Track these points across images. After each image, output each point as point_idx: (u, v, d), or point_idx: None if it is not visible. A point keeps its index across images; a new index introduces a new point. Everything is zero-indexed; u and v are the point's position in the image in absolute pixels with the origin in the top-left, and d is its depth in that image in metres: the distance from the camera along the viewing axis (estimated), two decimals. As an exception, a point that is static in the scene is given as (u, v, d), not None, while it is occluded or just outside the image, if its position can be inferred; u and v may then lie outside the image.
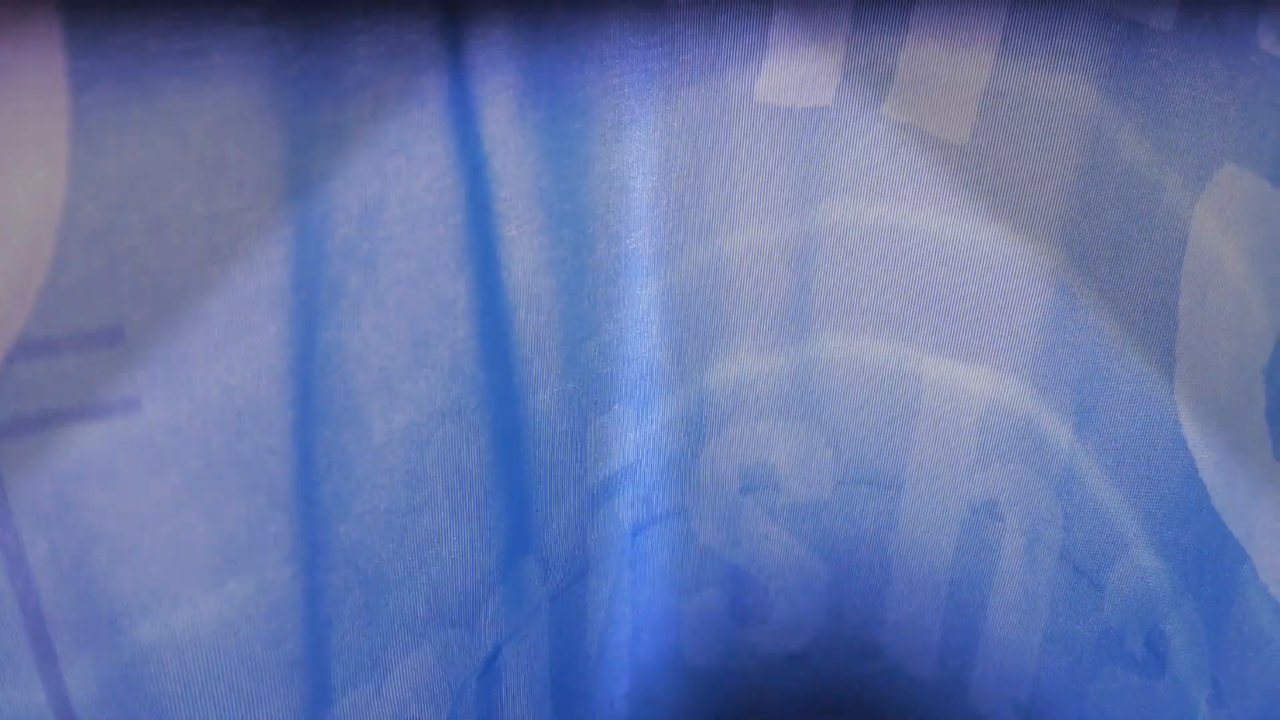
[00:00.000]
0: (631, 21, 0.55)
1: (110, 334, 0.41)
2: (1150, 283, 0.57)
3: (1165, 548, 0.59)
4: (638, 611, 0.73)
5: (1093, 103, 0.58)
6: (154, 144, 0.40)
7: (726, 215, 0.64)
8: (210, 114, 0.41)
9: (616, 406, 0.65)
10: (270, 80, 0.42)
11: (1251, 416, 0.50)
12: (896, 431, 0.71)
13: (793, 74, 0.61)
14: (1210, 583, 0.55)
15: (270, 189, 0.43)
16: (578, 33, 0.53)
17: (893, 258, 0.67)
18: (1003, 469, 0.70)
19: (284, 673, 0.49)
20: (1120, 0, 0.55)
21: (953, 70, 0.60)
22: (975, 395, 0.69)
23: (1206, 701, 0.56)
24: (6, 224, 0.38)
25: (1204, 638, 0.56)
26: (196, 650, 0.46)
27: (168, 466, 0.43)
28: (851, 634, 0.78)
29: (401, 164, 0.48)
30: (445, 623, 0.58)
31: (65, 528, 0.41)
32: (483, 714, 0.63)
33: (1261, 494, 0.50)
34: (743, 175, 0.64)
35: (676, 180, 0.61)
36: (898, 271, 0.67)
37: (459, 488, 0.56)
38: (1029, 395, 0.67)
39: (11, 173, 0.37)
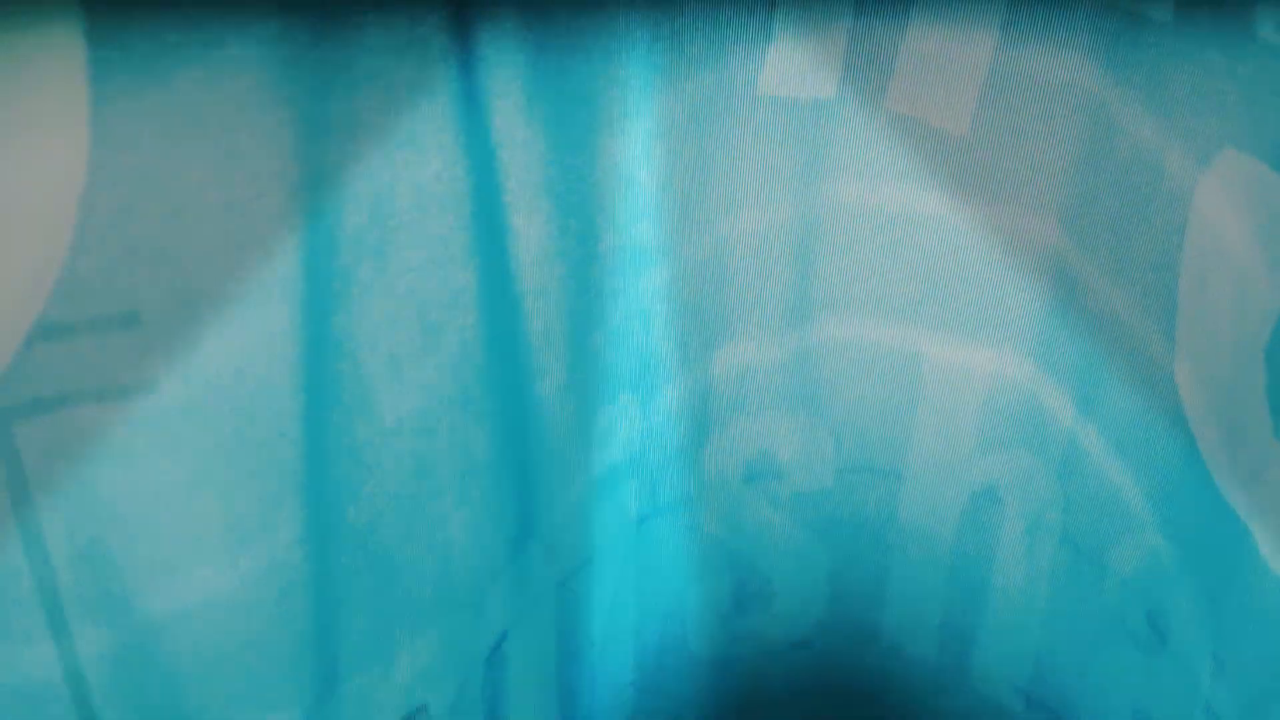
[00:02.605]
0: (637, 15, 0.56)
1: (127, 318, 0.42)
2: (1151, 266, 0.57)
3: (1167, 526, 0.59)
4: (643, 599, 0.74)
5: (1092, 92, 0.59)
6: (171, 133, 0.41)
7: (730, 206, 0.65)
8: (226, 104, 0.42)
9: (622, 396, 0.65)
10: (284, 72, 0.43)
11: (1252, 396, 0.51)
12: (898, 419, 0.72)
13: (795, 66, 0.62)
14: (1212, 559, 0.55)
15: (283, 178, 0.44)
16: (585, 26, 0.54)
17: (894, 246, 0.67)
18: (1003, 453, 0.70)
19: (293, 653, 0.50)
20: (1120, -7, 0.55)
21: (953, 60, 0.61)
22: (976, 381, 0.69)
23: (1208, 676, 0.56)
24: (27, 210, 0.39)
25: (1206, 614, 0.56)
26: (207, 628, 0.47)
27: (182, 448, 0.44)
28: (853, 619, 0.79)
29: (411, 154, 0.49)
30: (452, 607, 0.59)
31: (82, 507, 0.42)
32: (488, 699, 0.64)
33: (1263, 471, 0.50)
34: (746, 166, 0.64)
35: (681, 171, 0.62)
36: (899, 259, 0.68)
37: (467, 474, 0.57)
38: (1030, 380, 0.68)
39: (32, 160, 0.38)
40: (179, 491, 0.45)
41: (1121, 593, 0.65)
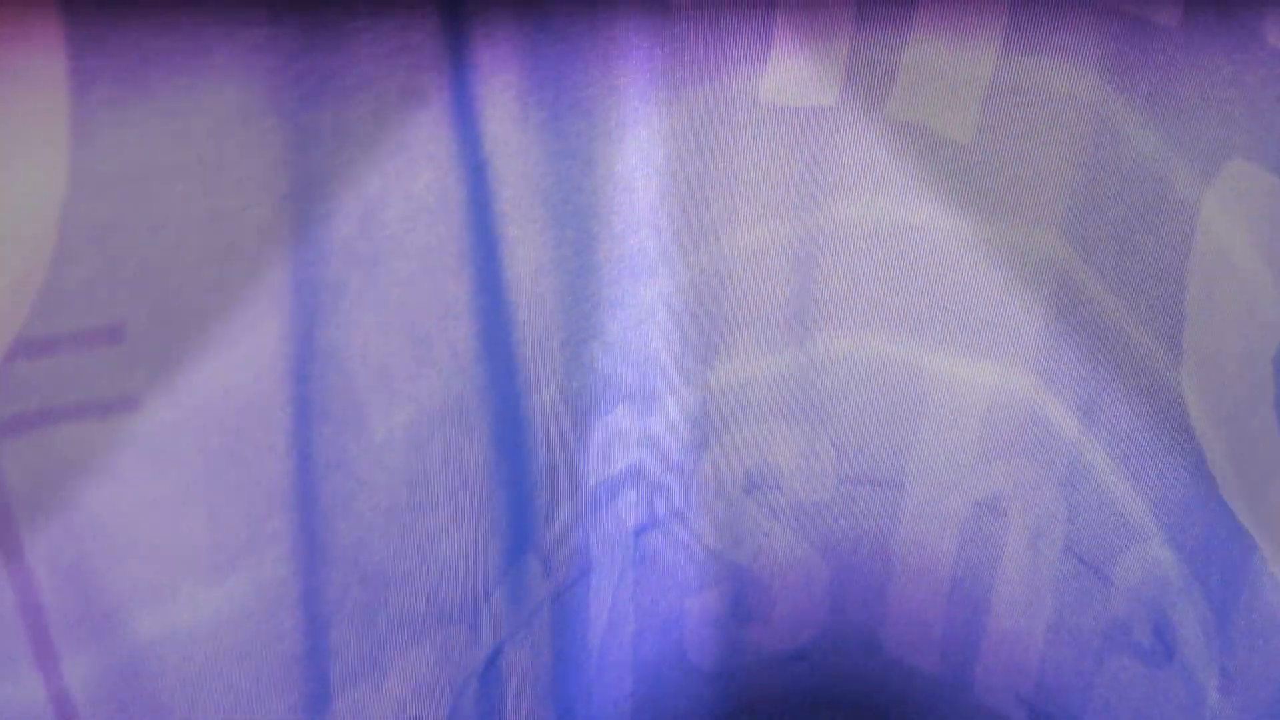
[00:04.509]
0: (635, 21, 0.55)
1: (110, 332, 0.41)
2: (1157, 277, 0.57)
3: (1173, 538, 0.59)
4: (641, 612, 0.73)
5: (1097, 99, 0.58)
6: (155, 143, 0.40)
7: (730, 215, 0.64)
8: (211, 113, 0.41)
9: (620, 407, 0.65)
10: (272, 80, 0.42)
11: (1260, 407, 0.50)
12: (899, 429, 0.71)
13: (797, 74, 0.61)
14: (1219, 572, 0.55)
15: (271, 188, 0.43)
16: (581, 33, 0.53)
17: (896, 255, 0.67)
18: (1006, 464, 0.70)
19: (283, 670, 0.49)
20: (1126, -2, 0.54)
21: (956, 68, 0.60)
22: (979, 391, 0.69)
23: (1216, 690, 0.55)
24: (6, 222, 0.38)
25: (1213, 626, 0.56)
26: (196, 647, 0.46)
27: (167, 464, 0.43)
28: (854, 630, 0.78)
29: (403, 164, 0.48)
30: (446, 621, 0.58)
31: (65, 525, 0.42)
32: (484, 714, 0.63)
33: (1271, 483, 0.50)
34: (746, 175, 0.64)
35: (680, 180, 0.61)
36: (901, 269, 0.67)
37: (460, 487, 0.56)
38: (1034, 390, 0.67)
39: (12, 171, 0.37)
40: (165, 509, 0.44)
41: (1127, 604, 0.64)
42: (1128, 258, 0.59)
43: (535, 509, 0.62)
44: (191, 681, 0.47)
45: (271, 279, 0.44)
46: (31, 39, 0.37)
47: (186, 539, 0.45)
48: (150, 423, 0.43)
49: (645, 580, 0.73)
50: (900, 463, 0.72)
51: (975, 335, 0.68)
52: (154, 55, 0.39)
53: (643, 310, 0.63)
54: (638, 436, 0.67)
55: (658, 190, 0.60)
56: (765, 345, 0.69)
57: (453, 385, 0.54)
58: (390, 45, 0.46)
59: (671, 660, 0.77)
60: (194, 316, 0.43)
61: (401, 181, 0.48)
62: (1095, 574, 0.66)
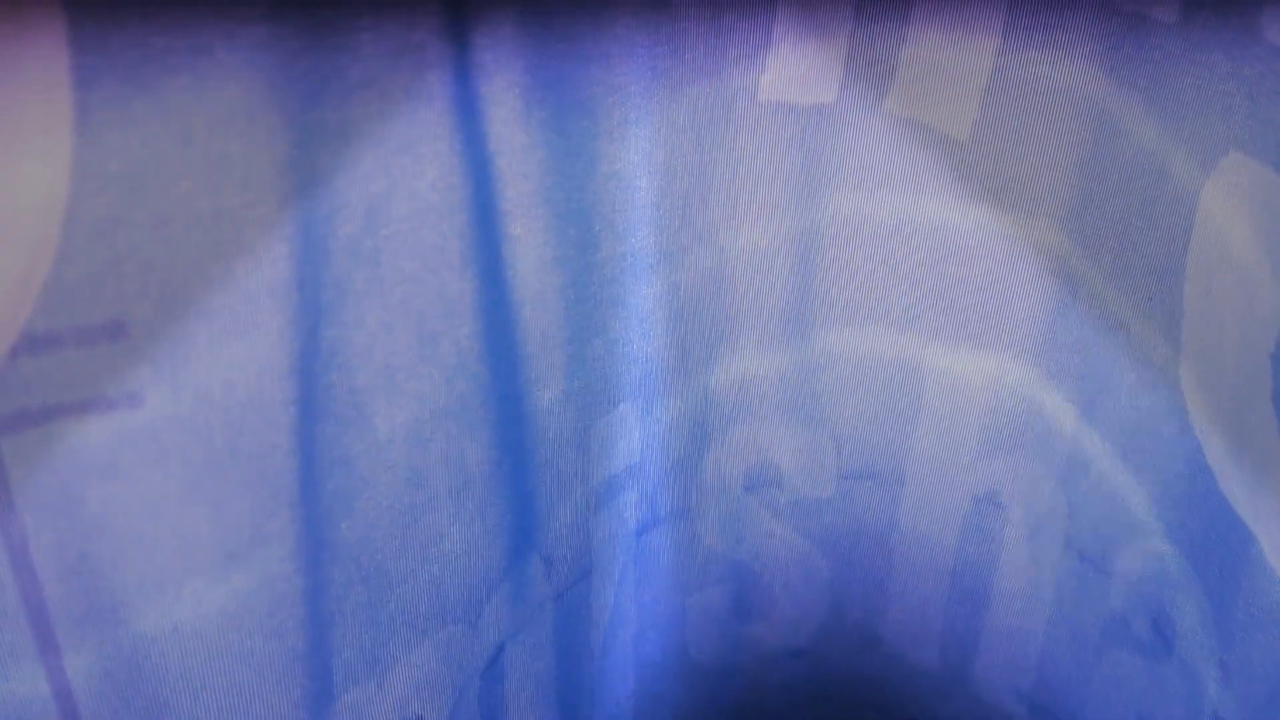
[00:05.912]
0: (637, 20, 0.55)
1: (114, 329, 0.41)
2: (1155, 271, 0.57)
3: (1172, 532, 0.59)
4: (642, 610, 0.74)
5: (1095, 95, 0.58)
6: (158, 140, 0.40)
7: (731, 213, 0.65)
8: (215, 111, 0.41)
9: (621, 405, 0.65)
10: (275, 77, 0.42)
11: (1258, 400, 0.50)
12: (899, 425, 0.71)
13: (796, 71, 0.61)
14: (1217, 565, 0.55)
15: (275, 186, 0.44)
16: (583, 31, 0.53)
17: (896, 251, 0.67)
18: (1005, 459, 0.70)
19: (286, 668, 0.49)
20: (1123, -6, 0.55)
21: (954, 65, 0.61)
22: (978, 387, 0.69)
23: (1214, 683, 0.56)
24: (11, 219, 0.38)
25: (1211, 620, 0.56)
26: (199, 644, 0.46)
27: (171, 461, 0.43)
28: (854, 626, 0.78)
29: (407, 162, 0.48)
30: (448, 620, 0.58)
31: (69, 521, 0.42)
32: (486, 712, 0.63)
33: (1268, 476, 0.50)
34: (747, 173, 0.64)
35: (681, 178, 0.62)
36: (901, 265, 0.67)
37: (462, 485, 0.57)
38: (1033, 385, 0.67)
39: (16, 168, 0.37)
40: (169, 505, 0.44)
41: (1126, 598, 0.64)
42: (1127, 252, 0.59)
43: (537, 508, 0.62)
44: (194, 677, 0.47)
45: (275, 276, 0.44)
46: (35, 37, 0.37)
47: (190, 535, 0.45)
48: (154, 419, 0.43)
49: (647, 579, 0.73)
50: (900, 458, 0.72)
51: (974, 330, 0.68)
52: (157, 53, 0.39)
53: (644, 308, 0.63)
54: (639, 435, 0.67)
55: (659, 188, 0.61)
56: (765, 342, 0.69)
57: (455, 383, 0.54)
58: (393, 44, 0.46)
59: (673, 658, 0.77)
60: (197, 313, 0.43)
61: (405, 180, 0.48)
62: (1094, 568, 0.67)
